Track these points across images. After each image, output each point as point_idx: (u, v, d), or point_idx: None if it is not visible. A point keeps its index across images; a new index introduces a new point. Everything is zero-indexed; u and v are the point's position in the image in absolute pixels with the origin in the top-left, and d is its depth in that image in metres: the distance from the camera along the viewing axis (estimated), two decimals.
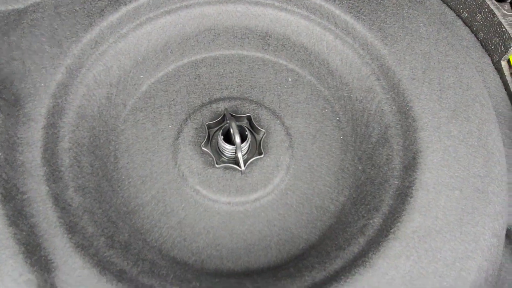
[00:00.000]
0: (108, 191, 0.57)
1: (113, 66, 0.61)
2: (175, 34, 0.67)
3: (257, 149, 0.61)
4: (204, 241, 0.56)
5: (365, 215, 0.53)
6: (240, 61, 0.68)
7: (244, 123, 0.62)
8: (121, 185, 0.59)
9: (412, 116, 0.56)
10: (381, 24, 0.61)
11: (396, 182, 0.54)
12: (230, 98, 0.64)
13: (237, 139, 0.55)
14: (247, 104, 0.63)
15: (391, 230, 0.48)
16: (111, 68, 0.61)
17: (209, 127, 0.61)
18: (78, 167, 0.55)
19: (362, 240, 0.50)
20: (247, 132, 0.59)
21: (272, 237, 0.57)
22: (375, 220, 0.51)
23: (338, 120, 0.65)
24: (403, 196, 0.51)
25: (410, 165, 0.53)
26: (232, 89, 0.65)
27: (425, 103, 0.56)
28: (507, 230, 0.55)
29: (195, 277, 0.52)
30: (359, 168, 0.60)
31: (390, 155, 0.56)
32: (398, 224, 0.49)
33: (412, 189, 0.51)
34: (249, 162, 0.59)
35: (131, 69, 0.64)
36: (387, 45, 0.60)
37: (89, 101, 0.59)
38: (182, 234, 0.57)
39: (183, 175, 0.60)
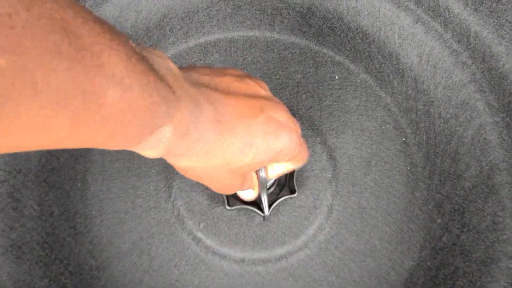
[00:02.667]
0: (66, 237, 0.40)
1: None
2: (177, 4, 0.47)
3: (287, 182, 0.42)
4: None
5: None
6: (268, 47, 0.49)
7: None
8: (89, 225, 0.41)
9: None
10: (494, 4, 0.40)
11: None
12: None
13: (262, 171, 0.36)
14: None
15: None
16: None
17: None
18: (14, 203, 0.37)
19: None
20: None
21: None
22: None
23: (404, 141, 0.45)
24: None
25: None
26: None
27: None
28: None
29: None
30: (438, 221, 0.41)
31: (499, 217, 0.36)
32: None
33: None
34: (276, 203, 0.40)
35: None
36: (503, 37, 0.39)
37: None
38: None
39: (178, 214, 0.42)
